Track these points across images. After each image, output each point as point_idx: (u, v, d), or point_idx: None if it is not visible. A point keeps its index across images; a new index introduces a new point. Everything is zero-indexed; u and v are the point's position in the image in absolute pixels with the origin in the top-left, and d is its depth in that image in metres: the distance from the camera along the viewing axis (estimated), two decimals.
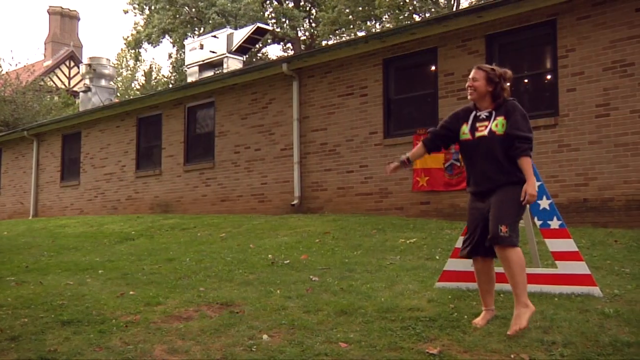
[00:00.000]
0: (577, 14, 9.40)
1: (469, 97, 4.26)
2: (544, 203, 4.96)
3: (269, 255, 7.29)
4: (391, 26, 27.82)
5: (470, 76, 4.23)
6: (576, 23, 9.39)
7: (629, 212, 8.70)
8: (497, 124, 4.10)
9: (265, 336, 3.97)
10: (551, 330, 3.91)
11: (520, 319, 3.84)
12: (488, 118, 4.16)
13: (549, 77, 9.84)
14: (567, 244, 4.91)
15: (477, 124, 4.17)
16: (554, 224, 4.94)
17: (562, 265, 4.89)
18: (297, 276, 5.93)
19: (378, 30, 28.20)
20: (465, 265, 5.13)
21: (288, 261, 6.83)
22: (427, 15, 28.56)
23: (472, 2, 27.16)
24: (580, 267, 4.85)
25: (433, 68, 11.20)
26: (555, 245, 4.88)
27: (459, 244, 5.23)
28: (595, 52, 9.16)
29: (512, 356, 3.50)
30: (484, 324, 4.07)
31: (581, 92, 9.25)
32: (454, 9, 25.03)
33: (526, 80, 10.14)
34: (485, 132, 4.11)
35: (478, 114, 4.21)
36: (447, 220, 9.91)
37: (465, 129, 4.21)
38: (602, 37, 9.11)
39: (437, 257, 6.69)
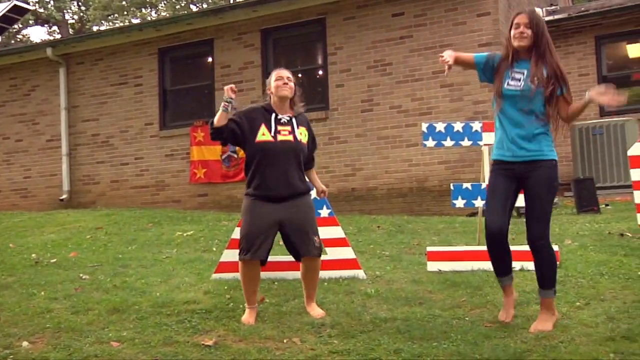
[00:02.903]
0: (344, 15, 10.02)
1: (284, 93, 4.12)
2: (314, 193, 5.21)
3: (33, 255, 6.71)
4: (167, 15, 27.22)
5: (285, 75, 4.15)
6: (343, 23, 10.01)
7: (390, 200, 9.54)
8: (302, 133, 4.16)
9: (25, 343, 3.64)
10: None
11: (319, 309, 4.17)
12: (289, 123, 4.14)
13: (320, 72, 10.37)
14: (335, 231, 5.23)
15: (279, 127, 4.10)
16: (324, 212, 5.24)
17: (332, 251, 5.19)
18: (65, 275, 5.54)
19: (154, 19, 27.39)
20: None
21: (55, 260, 6.35)
22: (204, 5, 28.42)
23: None
24: (347, 252, 5.19)
25: (210, 60, 11.18)
26: (326, 232, 5.14)
27: (235, 234, 5.29)
28: (360, 51, 9.85)
29: (284, 341, 3.63)
30: (255, 321, 4.03)
31: (348, 88, 9.89)
32: (231, 2, 25.22)
33: (300, 75, 10.57)
34: (291, 138, 4.10)
35: (279, 117, 4.13)
36: (224, 212, 9.98)
37: (265, 130, 4.08)
38: (366, 37, 9.83)
39: (214, 249, 6.70)
